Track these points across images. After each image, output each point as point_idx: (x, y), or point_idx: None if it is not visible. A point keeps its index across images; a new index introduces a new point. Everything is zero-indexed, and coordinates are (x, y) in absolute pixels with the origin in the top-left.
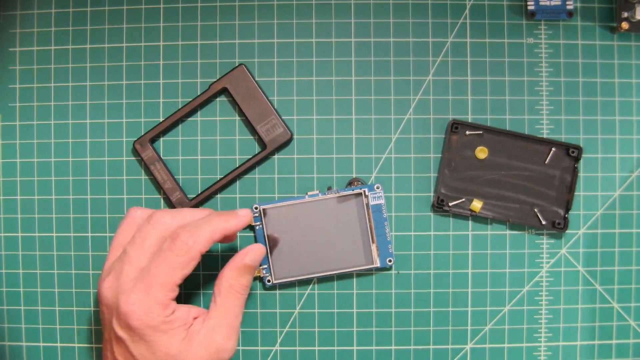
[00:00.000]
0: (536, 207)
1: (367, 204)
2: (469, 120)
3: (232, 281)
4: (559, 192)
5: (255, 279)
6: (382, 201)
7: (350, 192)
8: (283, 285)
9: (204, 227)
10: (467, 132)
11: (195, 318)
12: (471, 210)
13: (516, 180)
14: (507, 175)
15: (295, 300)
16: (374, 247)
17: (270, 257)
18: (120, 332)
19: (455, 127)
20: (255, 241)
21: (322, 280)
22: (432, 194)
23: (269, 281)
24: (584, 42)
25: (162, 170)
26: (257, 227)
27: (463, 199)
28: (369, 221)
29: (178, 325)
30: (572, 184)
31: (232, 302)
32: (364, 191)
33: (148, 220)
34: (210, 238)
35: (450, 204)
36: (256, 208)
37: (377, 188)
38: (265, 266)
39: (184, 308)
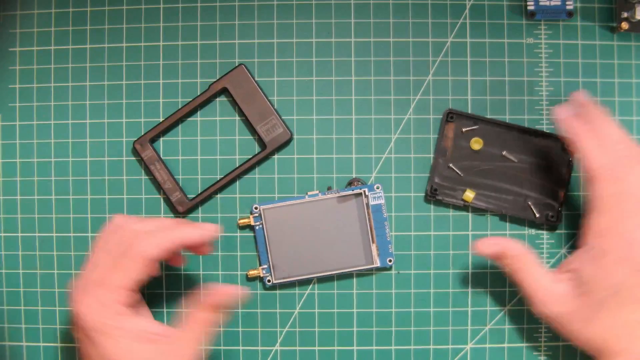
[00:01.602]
0: (530, 199)
1: (367, 204)
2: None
3: (199, 315)
4: (553, 186)
5: (255, 278)
6: (382, 201)
7: (350, 192)
8: (283, 285)
9: (158, 235)
10: (464, 129)
11: (155, 334)
12: (464, 201)
13: (511, 171)
14: (501, 166)
15: (295, 300)
16: (374, 247)
17: (270, 257)
18: (76, 332)
19: (451, 116)
20: (255, 242)
21: (322, 280)
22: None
23: (269, 281)
24: (584, 42)
25: (162, 170)
26: (257, 227)
27: (457, 190)
28: (369, 221)
29: (127, 334)
30: (567, 177)
31: (195, 333)
32: (364, 191)
33: (110, 225)
34: (164, 245)
35: (444, 192)
36: (256, 208)
37: (377, 188)
38: (266, 266)
39: (140, 319)
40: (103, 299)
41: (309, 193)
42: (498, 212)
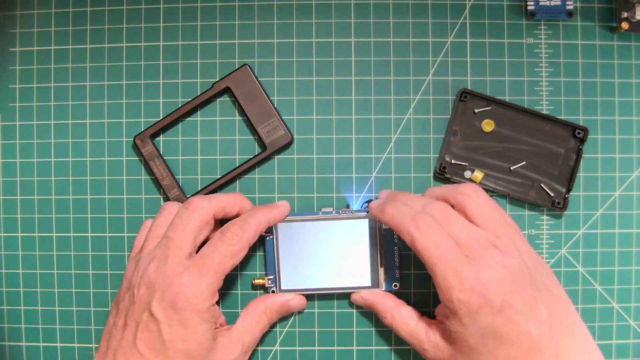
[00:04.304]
0: (537, 183)
1: (380, 228)
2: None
3: (270, 311)
4: (561, 172)
5: (260, 287)
6: None
7: (364, 214)
8: None
9: (250, 220)
10: (476, 110)
11: (222, 325)
12: (471, 181)
13: (520, 155)
14: (511, 149)
15: None
16: (381, 270)
17: (278, 270)
18: (160, 313)
19: (464, 96)
20: (265, 251)
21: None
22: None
23: (273, 292)
24: (584, 42)
25: (161, 166)
26: (268, 238)
27: (465, 169)
28: (380, 245)
29: (215, 320)
30: (575, 164)
31: (259, 324)
32: None
33: (186, 207)
34: (258, 229)
35: (452, 171)
36: None
37: None
38: (272, 277)
39: (219, 308)
40: (210, 283)
41: (323, 210)
42: (505, 194)
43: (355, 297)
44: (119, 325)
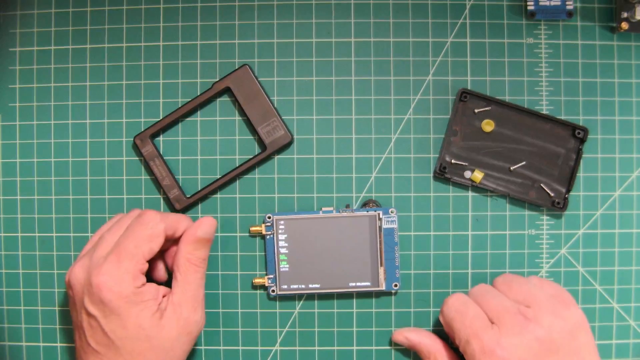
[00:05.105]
0: (538, 183)
1: (380, 227)
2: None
3: (188, 255)
4: (561, 172)
5: (260, 287)
6: (395, 225)
7: (365, 213)
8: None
9: (171, 214)
10: (476, 110)
11: (164, 296)
12: (471, 181)
13: (520, 155)
14: (511, 149)
15: (295, 301)
16: (381, 270)
17: (277, 268)
18: (92, 309)
19: (464, 96)
20: (265, 251)
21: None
22: (431, 192)
23: (273, 291)
24: (584, 42)
25: (161, 166)
26: (268, 237)
27: (465, 169)
28: (380, 244)
29: (148, 298)
30: (575, 164)
31: (192, 275)
32: (378, 214)
33: (128, 213)
34: (176, 224)
35: (452, 171)
36: (269, 218)
37: (392, 212)
38: (272, 276)
39: (153, 285)
40: (129, 268)
41: (324, 209)
42: (505, 194)
43: (398, 338)
44: (74, 325)
